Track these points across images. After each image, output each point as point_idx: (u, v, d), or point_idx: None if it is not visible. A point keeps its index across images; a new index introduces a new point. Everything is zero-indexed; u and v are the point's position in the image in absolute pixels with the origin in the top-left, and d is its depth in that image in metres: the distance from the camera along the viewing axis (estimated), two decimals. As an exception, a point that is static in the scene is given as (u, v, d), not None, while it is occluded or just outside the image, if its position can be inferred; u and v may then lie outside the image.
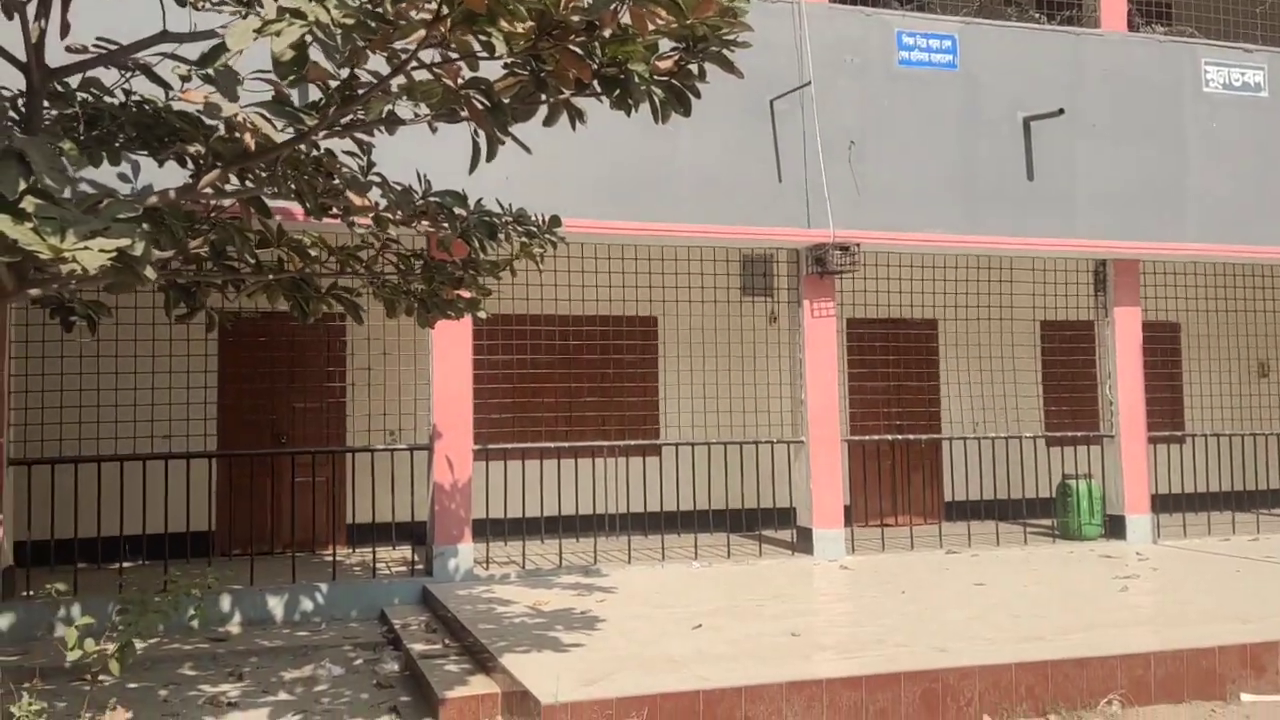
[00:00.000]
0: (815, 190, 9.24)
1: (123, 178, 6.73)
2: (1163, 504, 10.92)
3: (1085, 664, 5.55)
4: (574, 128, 4.53)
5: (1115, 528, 10.39)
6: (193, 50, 4.68)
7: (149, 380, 8.82)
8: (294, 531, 9.03)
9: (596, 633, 6.38)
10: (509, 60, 4.19)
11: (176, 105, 5.09)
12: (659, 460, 10.51)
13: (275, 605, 7.90)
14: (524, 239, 5.98)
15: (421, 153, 6.38)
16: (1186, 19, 11.85)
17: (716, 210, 8.99)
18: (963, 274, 10.76)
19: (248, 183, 5.14)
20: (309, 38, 3.55)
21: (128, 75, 5.20)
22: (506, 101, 4.31)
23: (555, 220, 6.01)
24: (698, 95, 4.42)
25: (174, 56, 4.92)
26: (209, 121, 4.90)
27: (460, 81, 4.19)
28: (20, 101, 4.91)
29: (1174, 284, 11.43)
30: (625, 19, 4.00)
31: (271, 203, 5.42)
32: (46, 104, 5.04)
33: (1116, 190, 10.13)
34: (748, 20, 4.15)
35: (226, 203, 5.61)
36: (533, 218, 6.01)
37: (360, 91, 4.34)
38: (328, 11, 3.48)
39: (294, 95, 5.07)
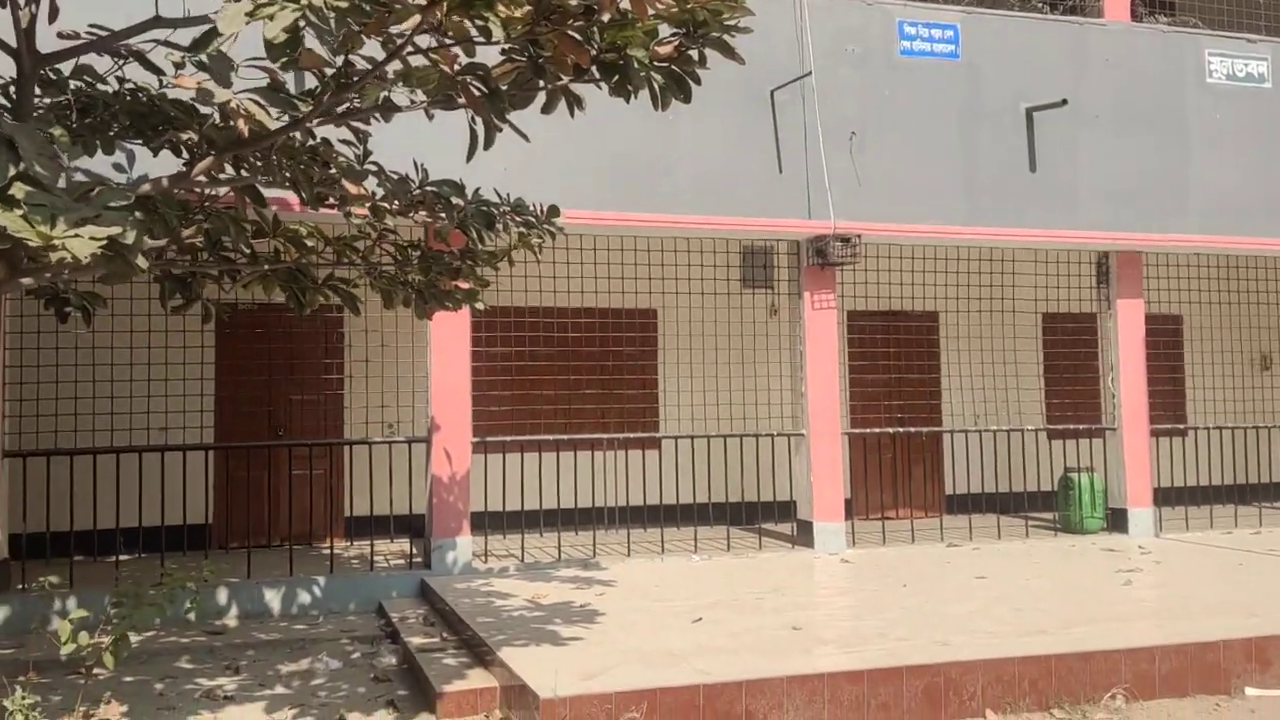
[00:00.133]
0: (816, 181, 9.18)
1: (118, 168, 6.66)
2: (1164, 497, 10.88)
3: (1089, 658, 5.50)
4: (572, 115, 4.46)
5: (1117, 521, 10.35)
6: (186, 36, 4.62)
7: (145, 372, 8.76)
8: (291, 524, 8.98)
9: (595, 626, 6.34)
10: (506, 46, 4.12)
11: (171, 93, 5.04)
12: (658, 453, 10.47)
13: (273, 598, 7.85)
14: (522, 229, 5.92)
15: (419, 143, 6.31)
16: (1189, 9, 11.78)
17: (717, 201, 8.93)
18: (964, 266, 10.70)
19: (243, 171, 5.08)
20: (302, 21, 3.49)
21: (120, 62, 5.14)
22: (504, 88, 4.25)
23: (554, 210, 5.95)
24: (698, 82, 4.35)
25: (167, 43, 4.85)
26: (203, 110, 4.84)
27: (457, 67, 4.13)
28: (11, 89, 4.85)
29: (1176, 276, 11.38)
30: (624, 3, 3.93)
31: (267, 192, 5.35)
32: (39, 92, 4.98)
33: (1119, 182, 10.07)
34: (749, 5, 4.08)
35: (221, 191, 5.54)
36: (531, 208, 5.94)
37: (355, 79, 4.28)
38: (321, -6, 3.42)
39: (290, 84, 5.01)
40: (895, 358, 11.58)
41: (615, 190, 8.64)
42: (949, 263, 10.71)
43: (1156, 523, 10.39)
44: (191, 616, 6.66)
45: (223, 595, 7.72)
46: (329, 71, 4.33)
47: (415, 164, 5.61)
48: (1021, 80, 9.83)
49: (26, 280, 4.43)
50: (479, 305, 6.23)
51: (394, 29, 3.98)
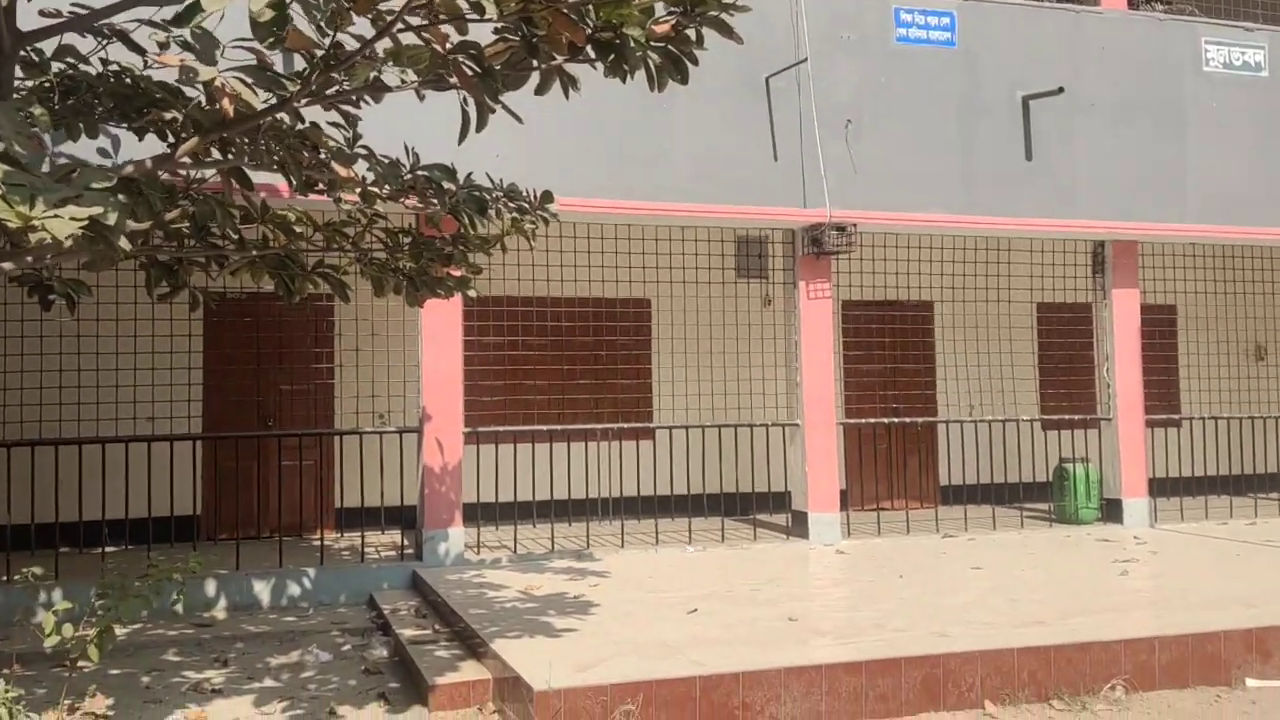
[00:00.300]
0: (811, 169, 9.10)
1: (102, 153, 6.56)
2: (1159, 488, 10.85)
3: (1088, 649, 5.45)
4: (567, 96, 4.36)
5: (1112, 511, 10.32)
6: (171, 15, 4.50)
7: (131, 361, 8.63)
8: (281, 515, 8.90)
9: (590, 618, 6.26)
10: (499, 24, 4.02)
11: (156, 75, 4.92)
12: (652, 444, 10.40)
13: (262, 590, 7.76)
14: (515, 215, 5.82)
15: (409, 128, 6.22)
16: (1187, -3, 11.72)
17: (711, 189, 8.85)
18: (959, 255, 10.63)
19: (230, 155, 4.97)
20: (289, -4, 3.39)
21: (104, 42, 5.02)
22: (497, 68, 4.15)
23: (547, 196, 5.85)
24: (695, 62, 4.26)
25: (151, 23, 4.74)
26: (188, 93, 4.73)
27: (449, 46, 4.02)
28: (-9, 68, 4.72)
29: (1170, 266, 11.34)
30: (621, -20, 3.84)
31: (255, 178, 5.26)
32: (21, 74, 4.86)
33: (1116, 171, 10.01)
34: (745, -13, 4.00)
35: (208, 173, 5.43)
36: (524, 193, 5.84)
37: (344, 60, 4.17)
38: (308, -32, 3.32)
39: (278, 67, 4.90)
40: (890, 348, 11.52)
41: (609, 178, 8.54)
42: (944, 252, 10.63)
43: (1151, 513, 10.36)
44: (179, 609, 6.61)
45: (211, 587, 7.63)
46: (318, 54, 4.22)
47: (406, 148, 5.51)
48: (1018, 68, 9.76)
49: (8, 265, 4.32)
50: (471, 293, 6.15)
51: (383, 6, 3.88)
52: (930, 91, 9.51)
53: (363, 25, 4.11)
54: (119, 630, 5.60)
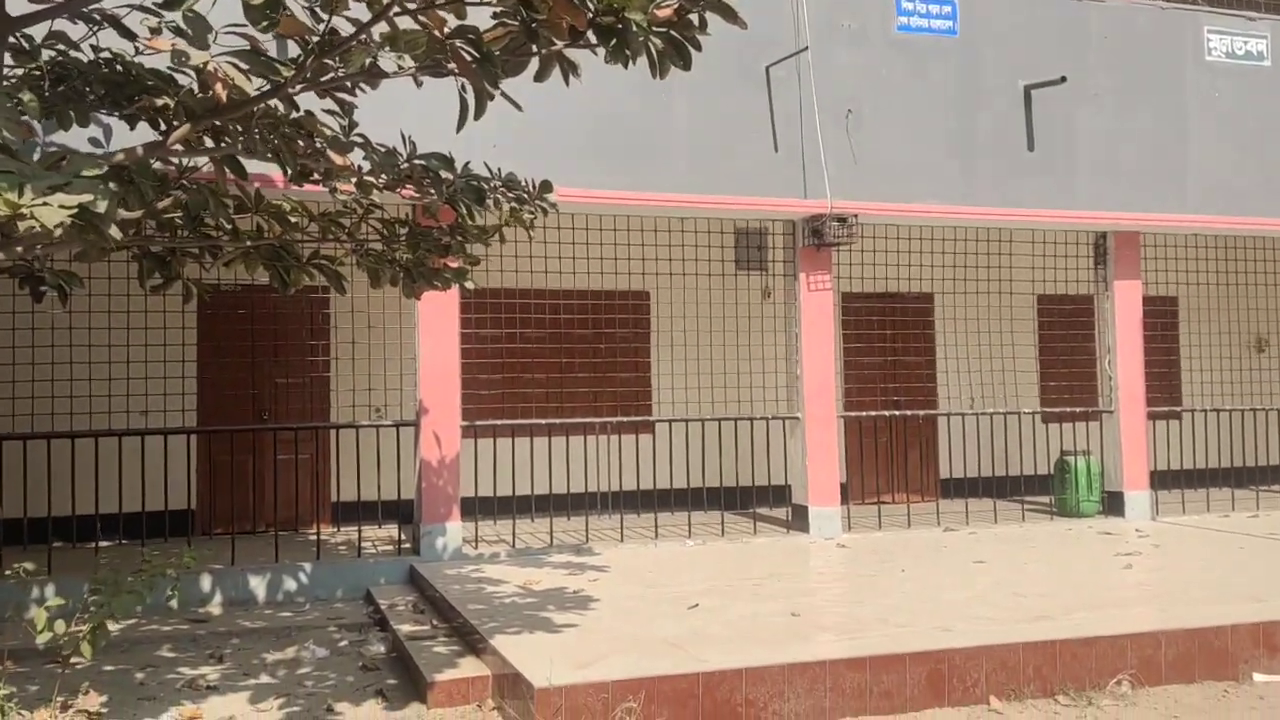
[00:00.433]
0: (812, 160, 9.02)
1: (94, 142, 6.44)
2: (1160, 480, 10.80)
3: (1093, 643, 5.38)
4: (567, 82, 4.27)
5: (1113, 504, 10.27)
6: None
7: (125, 354, 8.54)
8: (277, 510, 8.80)
9: (590, 613, 6.20)
10: (498, 8, 3.94)
11: (147, 61, 4.83)
12: (651, 437, 10.33)
13: (257, 585, 7.69)
14: (514, 204, 5.74)
15: (406, 117, 6.11)
16: (1189, -14, 11.63)
17: (711, 180, 8.77)
18: (960, 247, 10.56)
19: (223, 143, 4.88)
20: (283, -22, 3.30)
21: (94, 28, 4.93)
22: (496, 53, 4.06)
23: (546, 185, 5.76)
24: (698, 47, 4.16)
25: (142, 8, 4.65)
26: (181, 80, 4.64)
27: (447, 30, 3.93)
28: (-21, 54, 4.63)
29: (1171, 257, 11.27)
30: (622, -37, 3.75)
31: (249, 166, 5.16)
32: (10, 61, 4.77)
33: (1118, 161, 9.94)
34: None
35: (201, 162, 5.34)
36: (523, 183, 5.76)
37: (340, 45, 4.09)
38: (303, -52, 3.23)
39: (271, 51, 4.81)
40: (891, 340, 11.45)
41: (608, 168, 8.46)
42: (944, 243, 10.56)
43: (1153, 506, 10.31)
44: (174, 604, 6.52)
45: (206, 582, 7.55)
46: (313, 39, 4.13)
47: (403, 137, 5.42)
48: (1020, 57, 9.68)
49: (-3, 255, 4.24)
50: (468, 284, 6.05)
51: (380, -12, 3.79)
52: (931, 81, 9.43)
53: (358, 9, 4.03)
54: (113, 626, 5.53)
